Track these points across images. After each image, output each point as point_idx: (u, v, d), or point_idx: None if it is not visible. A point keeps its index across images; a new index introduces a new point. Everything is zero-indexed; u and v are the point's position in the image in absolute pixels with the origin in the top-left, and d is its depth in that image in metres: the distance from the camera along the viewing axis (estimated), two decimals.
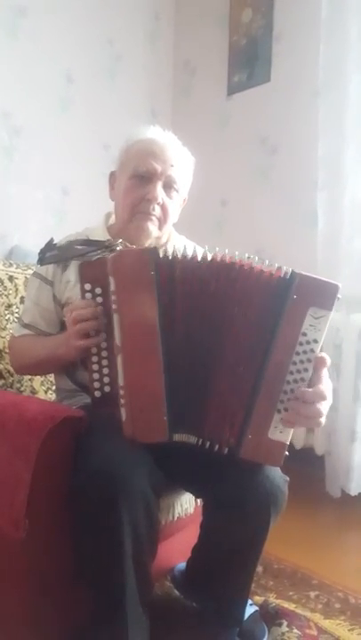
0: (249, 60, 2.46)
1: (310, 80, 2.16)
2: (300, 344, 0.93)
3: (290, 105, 2.31)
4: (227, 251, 0.96)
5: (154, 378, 0.95)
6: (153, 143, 1.21)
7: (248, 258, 0.95)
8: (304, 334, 0.92)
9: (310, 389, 0.94)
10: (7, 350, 1.45)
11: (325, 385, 0.96)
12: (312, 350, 0.93)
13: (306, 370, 0.94)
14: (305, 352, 0.93)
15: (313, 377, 0.95)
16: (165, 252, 0.95)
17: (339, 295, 0.92)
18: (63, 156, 2.27)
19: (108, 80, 2.45)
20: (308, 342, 0.93)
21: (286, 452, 0.97)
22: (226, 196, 2.57)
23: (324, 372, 0.97)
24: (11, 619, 1.08)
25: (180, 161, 1.23)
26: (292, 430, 0.97)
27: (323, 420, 0.95)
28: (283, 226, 2.33)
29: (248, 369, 0.95)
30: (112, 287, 0.95)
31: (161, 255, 0.95)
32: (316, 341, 0.93)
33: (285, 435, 0.95)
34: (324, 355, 0.96)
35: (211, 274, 0.96)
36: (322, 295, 0.92)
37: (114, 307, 0.95)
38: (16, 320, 1.37)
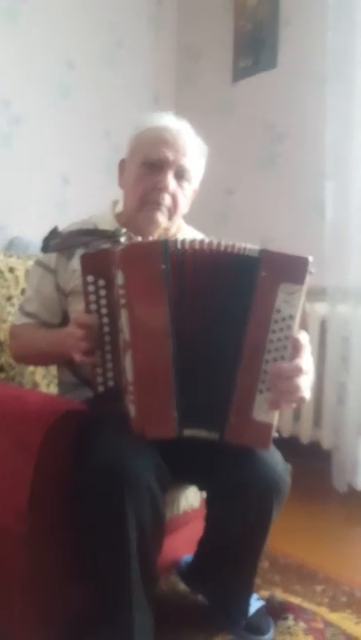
0: (255, 46, 2.42)
1: (318, 66, 2.13)
2: (276, 321, 0.92)
3: (297, 92, 2.28)
4: (222, 240, 0.95)
5: (163, 373, 0.94)
6: (165, 130, 1.19)
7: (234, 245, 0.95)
8: (278, 311, 0.92)
9: (286, 364, 0.93)
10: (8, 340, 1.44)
11: (305, 359, 0.95)
12: (289, 327, 0.92)
13: (285, 347, 0.93)
14: (281, 329, 0.93)
15: (293, 355, 0.94)
16: (175, 243, 0.94)
17: (312, 269, 0.92)
18: (64, 145, 2.25)
19: (109, 66, 2.42)
20: (283, 319, 0.92)
21: (276, 434, 0.98)
22: (231, 184, 2.55)
23: (306, 350, 0.96)
24: (13, 613, 1.09)
25: (192, 150, 1.21)
26: (278, 411, 0.96)
27: (306, 394, 0.95)
28: (289, 215, 2.31)
29: (228, 350, 0.95)
30: (120, 281, 0.94)
31: (171, 248, 0.94)
32: (291, 317, 0.92)
33: (271, 416, 0.95)
34: (301, 337, 0.94)
35: (207, 263, 0.95)
36: (292, 270, 0.91)
37: (123, 301, 0.94)
38: (18, 309, 1.36)
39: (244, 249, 0.94)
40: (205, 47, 2.65)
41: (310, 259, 0.92)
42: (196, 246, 0.95)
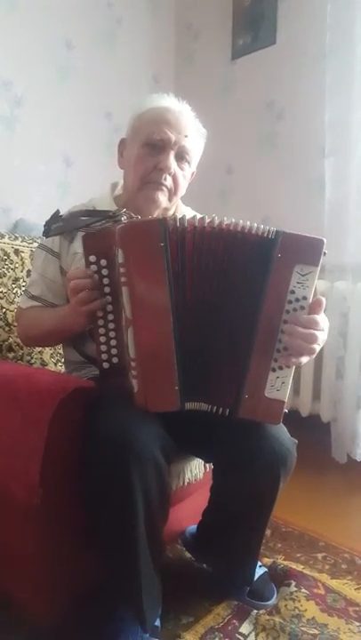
0: (254, 22, 2.38)
1: (317, 42, 2.10)
2: (290, 302, 0.94)
3: (296, 68, 2.25)
4: (225, 218, 0.95)
5: (165, 349, 0.95)
6: (167, 111, 1.18)
7: (251, 226, 0.94)
8: (293, 292, 0.94)
9: (305, 315, 0.95)
10: (15, 323, 1.46)
11: (321, 316, 0.97)
12: (302, 307, 0.94)
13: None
14: (295, 310, 0.94)
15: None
16: (174, 221, 0.94)
17: (325, 250, 0.93)
18: (65, 126, 2.22)
19: (108, 46, 2.38)
20: (297, 300, 0.94)
21: (285, 410, 0.99)
22: (231, 163, 2.53)
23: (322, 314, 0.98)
24: (25, 583, 1.11)
25: (193, 132, 1.21)
26: (289, 387, 0.98)
27: (317, 347, 0.96)
28: (289, 193, 2.29)
29: (241, 330, 0.96)
30: (120, 259, 0.94)
31: (170, 225, 0.94)
32: (305, 298, 0.94)
33: (282, 392, 0.97)
34: (320, 297, 0.97)
35: (209, 241, 0.95)
36: (307, 251, 0.93)
37: (123, 279, 0.95)
38: (23, 292, 1.36)
39: (259, 229, 0.93)
40: (204, 25, 2.60)
41: (325, 240, 0.92)
42: (198, 224, 0.94)
